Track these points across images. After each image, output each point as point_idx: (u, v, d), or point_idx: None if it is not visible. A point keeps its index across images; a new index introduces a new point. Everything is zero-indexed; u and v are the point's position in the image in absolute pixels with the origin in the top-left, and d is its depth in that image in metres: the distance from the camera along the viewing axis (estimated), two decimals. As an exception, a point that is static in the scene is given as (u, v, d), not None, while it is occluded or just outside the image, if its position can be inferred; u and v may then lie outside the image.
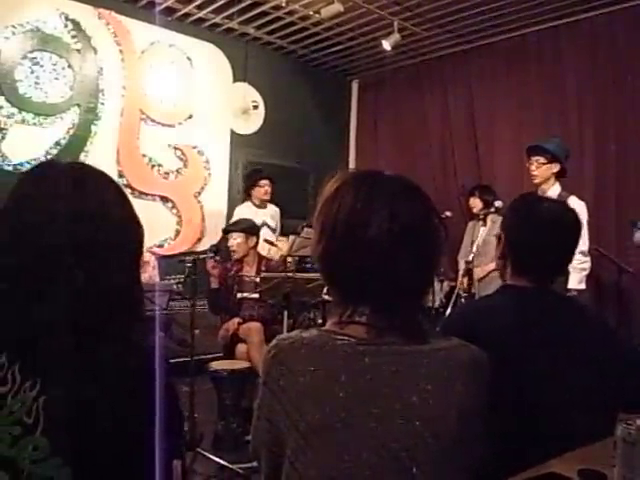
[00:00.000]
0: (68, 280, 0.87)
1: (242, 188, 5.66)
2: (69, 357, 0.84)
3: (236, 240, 4.11)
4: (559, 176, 3.76)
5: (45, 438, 0.81)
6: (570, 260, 1.59)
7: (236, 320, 4.00)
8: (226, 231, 4.29)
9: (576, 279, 3.53)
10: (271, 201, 5.38)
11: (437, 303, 4.95)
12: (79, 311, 0.87)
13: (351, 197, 0.97)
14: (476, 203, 4.94)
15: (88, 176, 0.98)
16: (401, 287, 0.97)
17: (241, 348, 3.90)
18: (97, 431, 0.81)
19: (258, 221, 4.71)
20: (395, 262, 0.95)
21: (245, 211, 5.15)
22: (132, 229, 0.99)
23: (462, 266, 4.65)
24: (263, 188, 5.23)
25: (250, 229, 4.21)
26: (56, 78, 4.98)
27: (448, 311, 3.80)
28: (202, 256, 3.66)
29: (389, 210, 0.95)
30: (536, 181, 3.75)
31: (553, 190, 3.69)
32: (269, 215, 5.22)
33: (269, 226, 5.28)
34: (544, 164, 3.70)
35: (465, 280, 4.17)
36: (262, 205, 5.29)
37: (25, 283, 0.89)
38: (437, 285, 5.00)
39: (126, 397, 0.84)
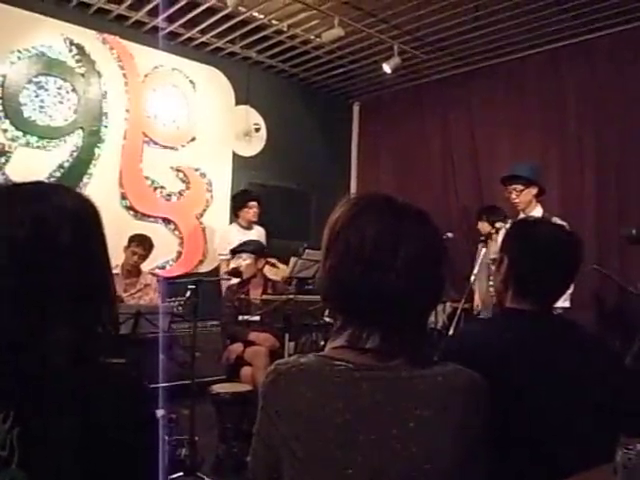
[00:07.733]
0: (38, 315, 0.85)
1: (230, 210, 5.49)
2: (42, 387, 0.82)
3: (246, 261, 4.09)
4: (539, 197, 3.82)
5: (22, 470, 0.80)
6: (572, 283, 1.58)
7: (241, 343, 3.97)
8: (235, 252, 4.23)
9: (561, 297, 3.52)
10: (257, 222, 5.32)
11: (440, 324, 4.93)
12: (51, 342, 0.84)
13: (374, 229, 0.97)
14: (485, 227, 4.83)
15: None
16: (407, 311, 0.97)
17: (246, 371, 3.87)
18: (75, 460, 0.80)
19: None
20: (407, 288, 0.95)
21: (232, 233, 5.11)
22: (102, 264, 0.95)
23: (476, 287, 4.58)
24: (252, 210, 5.20)
25: (260, 250, 4.20)
26: (60, 102, 5.04)
27: (451, 332, 3.80)
28: (214, 278, 3.61)
29: (410, 238, 0.97)
30: (519, 207, 3.81)
31: (536, 213, 3.73)
32: (256, 237, 5.03)
33: None
34: (522, 190, 3.76)
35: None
36: (249, 227, 5.25)
37: None
38: (440, 306, 4.98)
39: (104, 425, 0.82)
